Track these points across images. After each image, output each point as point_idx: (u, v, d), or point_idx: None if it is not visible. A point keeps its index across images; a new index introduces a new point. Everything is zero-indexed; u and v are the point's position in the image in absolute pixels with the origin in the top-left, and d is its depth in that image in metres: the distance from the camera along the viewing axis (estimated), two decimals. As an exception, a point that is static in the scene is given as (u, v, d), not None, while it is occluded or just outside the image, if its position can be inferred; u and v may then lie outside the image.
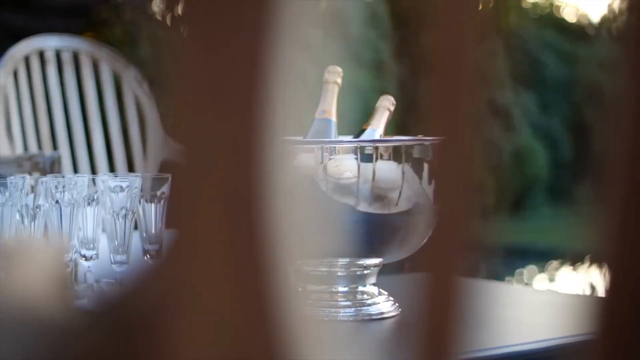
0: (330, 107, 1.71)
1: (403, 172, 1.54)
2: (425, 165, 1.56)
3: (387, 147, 1.53)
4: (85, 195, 1.53)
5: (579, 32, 10.35)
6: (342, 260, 1.58)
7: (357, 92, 7.98)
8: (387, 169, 1.53)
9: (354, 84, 7.95)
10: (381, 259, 1.59)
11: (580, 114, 9.82)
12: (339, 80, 1.72)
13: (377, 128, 1.70)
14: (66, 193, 1.50)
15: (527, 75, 9.62)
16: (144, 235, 1.57)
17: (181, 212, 0.42)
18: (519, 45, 9.68)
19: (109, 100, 2.72)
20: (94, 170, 2.68)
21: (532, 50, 9.70)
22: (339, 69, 1.73)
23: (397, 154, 1.53)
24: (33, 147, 2.55)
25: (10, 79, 2.55)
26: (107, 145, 2.73)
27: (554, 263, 6.75)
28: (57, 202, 1.49)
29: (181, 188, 0.42)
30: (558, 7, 10.73)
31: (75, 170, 2.63)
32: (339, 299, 1.59)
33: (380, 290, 1.61)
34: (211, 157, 0.42)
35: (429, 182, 1.57)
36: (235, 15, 0.41)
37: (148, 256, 1.58)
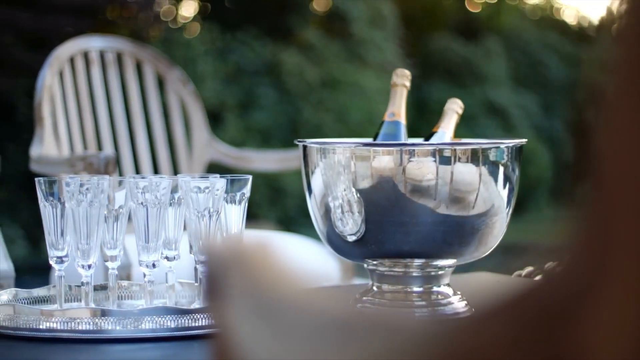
0: (399, 109, 1.73)
1: (480, 175, 1.56)
2: (501, 168, 1.58)
3: (464, 150, 1.55)
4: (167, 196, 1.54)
5: (580, 33, 10.38)
6: (417, 261, 1.60)
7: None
8: (465, 172, 1.55)
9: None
10: (455, 260, 1.61)
11: (583, 115, 9.85)
12: (407, 83, 1.74)
13: (447, 131, 1.72)
14: (147, 194, 1.51)
15: (528, 76, 9.66)
16: (225, 235, 1.59)
17: (599, 207, 0.43)
18: (520, 47, 9.71)
19: (153, 100, 2.73)
20: (137, 170, 2.70)
21: (533, 51, 9.73)
22: (407, 72, 1.75)
23: (474, 157, 1.55)
24: (78, 147, 2.56)
25: (56, 80, 2.56)
26: (151, 146, 2.74)
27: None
28: (141, 203, 1.51)
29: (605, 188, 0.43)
30: (558, 9, 10.77)
31: (120, 171, 2.64)
32: (414, 299, 1.62)
33: (455, 290, 1.63)
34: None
35: (504, 185, 1.59)
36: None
37: (228, 256, 1.59)
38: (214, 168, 2.68)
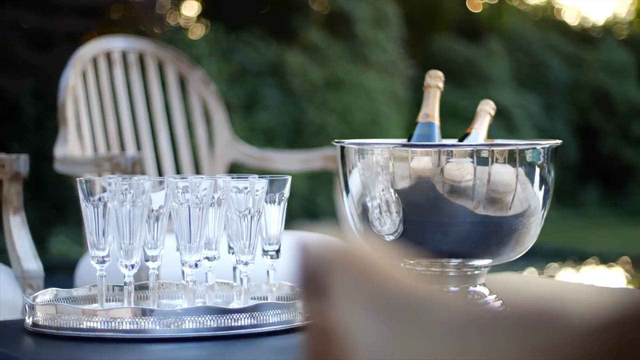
0: (433, 110, 1.74)
1: (517, 176, 1.57)
2: (537, 169, 1.59)
3: (502, 151, 1.56)
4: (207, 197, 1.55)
5: (582, 34, 10.40)
6: (454, 261, 1.60)
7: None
8: (503, 172, 1.56)
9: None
10: (492, 260, 1.62)
11: (584, 116, 9.87)
12: (441, 85, 1.75)
13: (480, 132, 1.73)
14: (188, 194, 1.51)
15: (530, 77, 9.66)
16: (264, 235, 1.60)
17: None
18: (522, 47, 9.72)
19: (175, 100, 2.74)
20: (160, 172, 2.70)
21: (535, 52, 9.74)
22: (440, 74, 1.76)
23: (511, 158, 1.56)
24: (101, 147, 2.57)
25: (80, 80, 2.57)
26: (173, 146, 2.75)
27: (554, 264, 6.80)
28: (183, 203, 1.51)
29: None
30: (559, 10, 10.78)
31: (142, 171, 2.65)
32: (450, 299, 1.63)
33: (490, 290, 1.64)
34: None
35: (540, 186, 1.60)
36: None
37: (268, 257, 1.60)
38: (236, 168, 2.69)
